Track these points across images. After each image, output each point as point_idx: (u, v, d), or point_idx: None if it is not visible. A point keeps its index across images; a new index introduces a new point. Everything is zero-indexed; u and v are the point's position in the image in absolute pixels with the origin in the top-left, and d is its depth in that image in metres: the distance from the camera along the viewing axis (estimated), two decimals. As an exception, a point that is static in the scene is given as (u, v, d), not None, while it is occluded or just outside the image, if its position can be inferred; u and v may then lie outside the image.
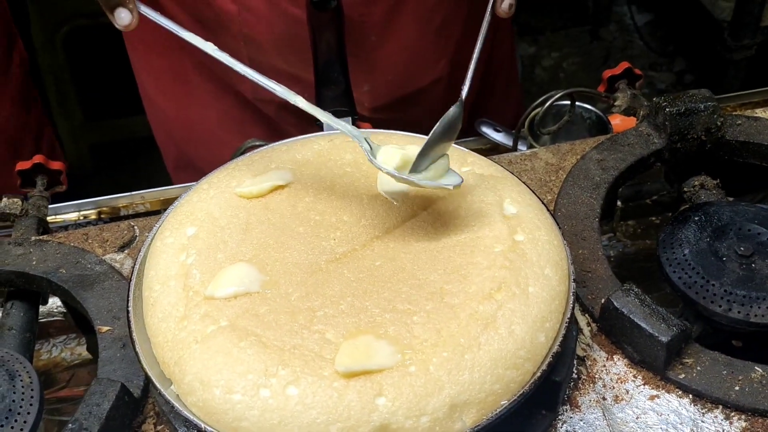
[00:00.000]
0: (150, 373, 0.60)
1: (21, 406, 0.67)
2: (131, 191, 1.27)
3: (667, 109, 0.89)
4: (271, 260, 0.66)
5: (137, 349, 0.62)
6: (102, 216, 1.36)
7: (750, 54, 2.07)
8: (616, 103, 1.02)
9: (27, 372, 0.70)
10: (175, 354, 0.60)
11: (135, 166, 2.82)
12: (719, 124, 0.89)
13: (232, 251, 0.67)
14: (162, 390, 0.59)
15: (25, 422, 0.66)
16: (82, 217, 1.35)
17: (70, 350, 0.97)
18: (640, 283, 0.72)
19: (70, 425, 0.63)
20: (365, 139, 0.70)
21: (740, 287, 0.73)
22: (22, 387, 0.68)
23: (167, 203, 1.35)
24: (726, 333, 0.78)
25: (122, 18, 0.70)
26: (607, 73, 1.05)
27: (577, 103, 1.09)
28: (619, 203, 1.00)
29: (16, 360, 0.71)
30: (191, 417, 0.58)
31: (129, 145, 2.81)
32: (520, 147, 1.13)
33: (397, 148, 0.70)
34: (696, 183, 0.90)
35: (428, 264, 0.66)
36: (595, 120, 1.21)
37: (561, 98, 1.03)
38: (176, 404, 0.58)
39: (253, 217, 0.70)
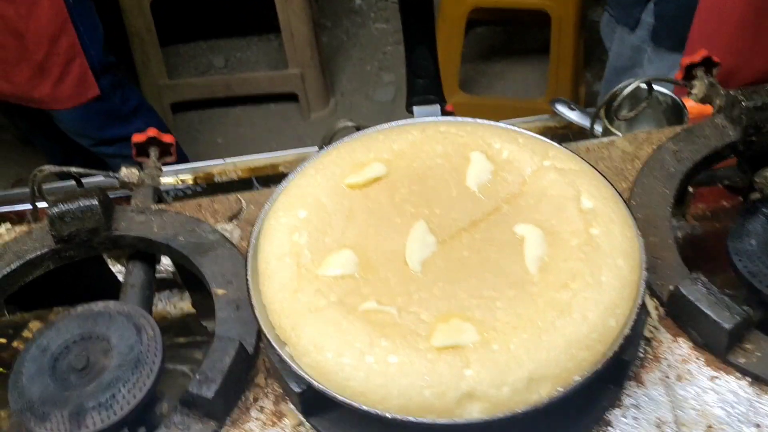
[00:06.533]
0: (269, 336, 0.69)
1: (147, 357, 0.73)
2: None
3: (743, 103, 0.90)
4: (372, 247, 0.73)
5: (257, 314, 0.71)
6: (198, 181, 1.47)
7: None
8: (692, 92, 1.03)
9: (150, 325, 0.77)
10: (291, 320, 0.69)
11: (210, 124, 2.96)
12: (796, 119, 0.91)
13: (337, 236, 0.74)
14: (279, 351, 0.68)
15: (150, 371, 0.72)
16: (180, 182, 1.47)
17: (173, 304, 1.06)
18: (707, 263, 0.75)
19: (197, 376, 0.71)
20: None
21: (805, 280, 0.77)
22: (147, 339, 0.74)
23: (256, 171, 1.46)
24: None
25: None
26: (686, 61, 1.04)
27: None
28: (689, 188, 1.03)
29: (140, 315, 0.78)
30: (305, 376, 0.66)
31: (206, 104, 2.94)
32: (596, 127, 1.18)
33: None
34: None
35: (511, 256, 0.72)
36: (670, 104, 1.23)
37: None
38: (292, 364, 0.67)
39: (356, 206, 0.77)
